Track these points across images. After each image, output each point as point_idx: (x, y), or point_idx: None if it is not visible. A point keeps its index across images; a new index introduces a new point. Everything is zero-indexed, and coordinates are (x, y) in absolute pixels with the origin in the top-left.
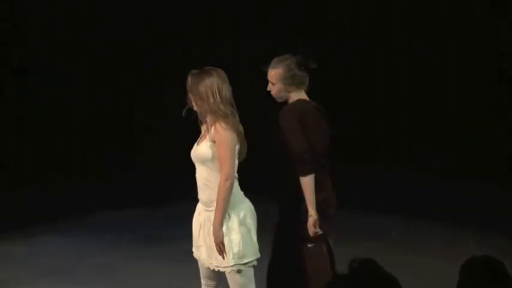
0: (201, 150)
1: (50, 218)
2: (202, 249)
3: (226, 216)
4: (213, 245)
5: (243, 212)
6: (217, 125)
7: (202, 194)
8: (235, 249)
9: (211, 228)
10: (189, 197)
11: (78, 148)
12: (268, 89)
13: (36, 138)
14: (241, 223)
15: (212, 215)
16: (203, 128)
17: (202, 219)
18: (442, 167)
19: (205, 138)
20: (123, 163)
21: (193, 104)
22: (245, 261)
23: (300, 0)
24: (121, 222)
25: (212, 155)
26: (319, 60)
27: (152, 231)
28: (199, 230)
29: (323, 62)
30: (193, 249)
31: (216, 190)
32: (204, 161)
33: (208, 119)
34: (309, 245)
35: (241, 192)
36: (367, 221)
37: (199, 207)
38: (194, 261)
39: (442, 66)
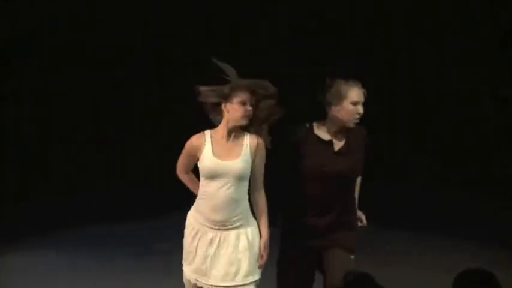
0: (243, 165)
1: (41, 230)
2: (216, 271)
3: (250, 232)
4: (239, 259)
5: (256, 230)
6: (260, 140)
7: (223, 213)
8: (252, 267)
9: (234, 244)
10: None
11: (73, 157)
12: (362, 111)
13: (28, 144)
14: (254, 242)
15: (230, 232)
16: (226, 140)
17: (217, 239)
18: (433, 177)
19: (235, 152)
20: (116, 173)
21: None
22: (256, 278)
23: (300, 0)
24: (114, 235)
25: (248, 172)
26: (319, 60)
27: (146, 243)
28: (214, 251)
29: (323, 62)
30: (195, 276)
31: (242, 207)
32: (241, 178)
33: (247, 135)
34: (351, 256)
35: None
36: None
37: (202, 227)
38: None
39: (442, 66)
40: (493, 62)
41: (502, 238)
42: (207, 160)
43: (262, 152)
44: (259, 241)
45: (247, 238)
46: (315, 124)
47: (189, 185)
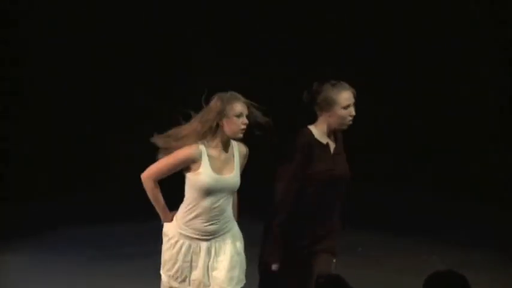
0: (238, 178)
1: (10, 235)
2: (219, 280)
3: (238, 231)
4: (240, 261)
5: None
6: (247, 148)
7: (218, 224)
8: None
9: (230, 248)
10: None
11: (47, 161)
12: (354, 113)
13: (26, 144)
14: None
15: (224, 237)
16: (221, 152)
17: (214, 247)
18: (404, 179)
19: (233, 165)
20: (117, 173)
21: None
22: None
23: (300, 0)
24: (86, 239)
25: None
26: (319, 60)
27: (117, 247)
28: (213, 259)
29: (323, 62)
30: None
31: (230, 211)
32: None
33: (235, 143)
34: (334, 260)
35: None
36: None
37: (194, 241)
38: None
39: (443, 66)
40: (494, 61)
41: (475, 239)
42: (207, 176)
43: (247, 159)
44: None
45: (240, 239)
46: (311, 127)
47: (153, 193)
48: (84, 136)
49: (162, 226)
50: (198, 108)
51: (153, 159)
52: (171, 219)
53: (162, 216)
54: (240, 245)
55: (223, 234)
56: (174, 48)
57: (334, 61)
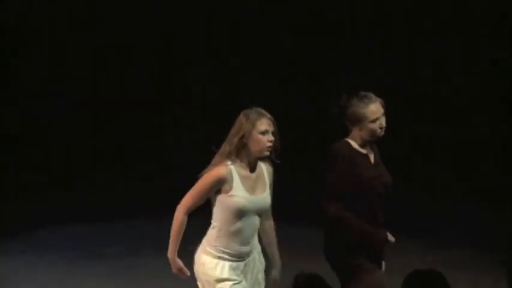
0: (269, 199)
1: (10, 234)
2: None
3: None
4: (262, 278)
5: None
6: (272, 168)
7: (251, 243)
8: None
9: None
10: None
11: (47, 161)
12: (384, 124)
13: (19, 145)
14: None
15: (253, 256)
16: (251, 172)
17: (248, 265)
18: (405, 179)
19: (263, 184)
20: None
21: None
22: None
23: (300, 0)
24: (85, 239)
25: None
26: (319, 60)
27: (117, 247)
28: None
29: (323, 62)
30: None
31: None
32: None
33: (261, 162)
34: None
35: None
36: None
37: (232, 263)
38: (140, 277)
39: (442, 66)
40: (493, 61)
41: (475, 239)
42: (241, 197)
43: (273, 179)
44: None
45: (261, 254)
46: (348, 140)
47: (180, 226)
48: (84, 136)
49: (161, 231)
50: (198, 108)
51: (153, 159)
52: (177, 263)
53: (173, 252)
54: (263, 260)
55: (253, 251)
56: (174, 48)
57: (334, 61)
